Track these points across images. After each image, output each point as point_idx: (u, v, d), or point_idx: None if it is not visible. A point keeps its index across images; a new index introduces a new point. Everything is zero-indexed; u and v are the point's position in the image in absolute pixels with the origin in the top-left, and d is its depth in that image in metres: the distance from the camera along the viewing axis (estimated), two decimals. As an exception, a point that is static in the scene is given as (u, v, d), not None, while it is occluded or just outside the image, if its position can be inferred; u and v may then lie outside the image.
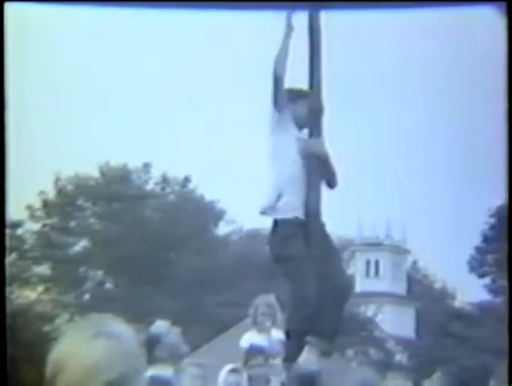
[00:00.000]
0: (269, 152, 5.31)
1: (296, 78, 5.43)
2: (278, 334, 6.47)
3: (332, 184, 5.41)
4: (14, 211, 33.22)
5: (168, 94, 43.48)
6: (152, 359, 4.30)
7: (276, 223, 5.26)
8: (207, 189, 42.11)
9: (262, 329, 6.84)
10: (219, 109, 42.56)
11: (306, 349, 5.10)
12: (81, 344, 1.96)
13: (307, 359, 5.07)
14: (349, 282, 6.49)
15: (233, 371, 6.76)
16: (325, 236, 5.34)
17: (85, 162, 40.25)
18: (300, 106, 5.28)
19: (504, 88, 4.54)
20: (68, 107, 41.58)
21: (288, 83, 5.26)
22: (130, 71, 42.41)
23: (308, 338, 5.10)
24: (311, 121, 5.34)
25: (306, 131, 5.39)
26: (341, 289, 5.27)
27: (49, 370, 1.97)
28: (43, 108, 38.00)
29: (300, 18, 5.18)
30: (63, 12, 17.44)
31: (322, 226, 5.34)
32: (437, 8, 5.23)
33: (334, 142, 5.57)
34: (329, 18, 5.29)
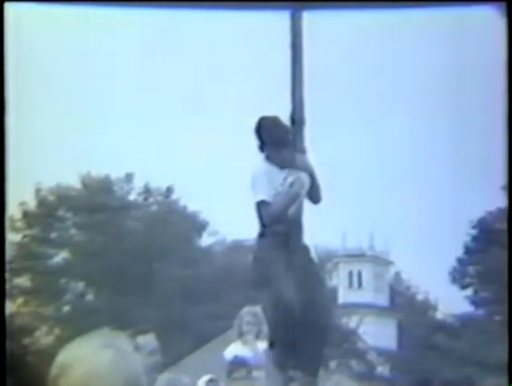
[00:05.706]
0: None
1: (277, 83, 5.38)
2: (262, 346, 6.40)
3: (316, 200, 5.34)
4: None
5: (150, 104, 43.40)
6: None
7: (259, 237, 5.20)
8: (190, 199, 42.03)
9: (246, 340, 6.74)
10: (202, 119, 42.54)
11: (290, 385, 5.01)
12: (89, 351, 1.99)
13: None
14: (328, 311, 6.25)
15: (211, 381, 6.69)
16: (306, 251, 5.27)
17: (67, 172, 40.05)
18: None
19: (504, 89, 4.52)
20: (52, 115, 41.35)
21: (269, 87, 5.23)
22: (114, 80, 42.28)
23: (291, 373, 5.01)
24: (294, 132, 5.29)
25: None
26: (320, 314, 5.15)
27: (53, 372, 1.99)
28: (28, 114, 37.73)
29: (282, 20, 5.09)
30: (62, 12, 17.35)
31: (303, 241, 5.26)
32: (437, 8, 5.21)
33: (317, 153, 5.52)
34: (317, 19, 5.21)
